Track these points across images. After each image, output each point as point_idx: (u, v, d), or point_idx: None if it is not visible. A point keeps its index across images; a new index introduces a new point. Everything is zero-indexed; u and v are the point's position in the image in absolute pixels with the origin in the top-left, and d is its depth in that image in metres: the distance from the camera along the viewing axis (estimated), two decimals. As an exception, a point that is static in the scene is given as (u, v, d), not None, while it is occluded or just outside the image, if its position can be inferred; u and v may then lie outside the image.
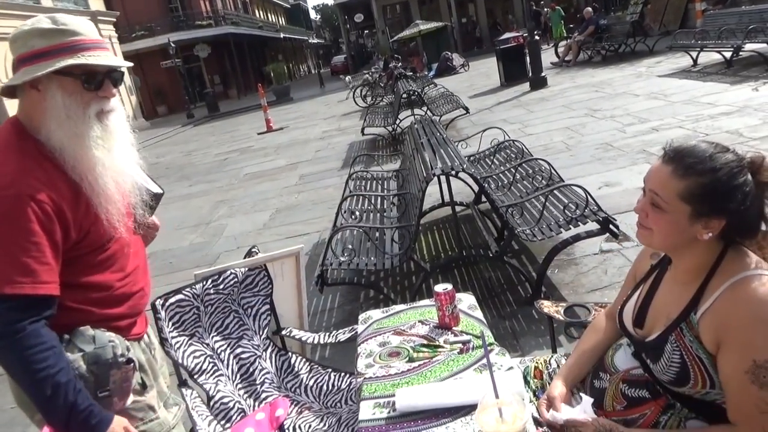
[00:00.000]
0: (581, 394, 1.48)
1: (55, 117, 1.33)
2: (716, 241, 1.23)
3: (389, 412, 1.44)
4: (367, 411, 1.46)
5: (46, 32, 1.32)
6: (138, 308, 1.57)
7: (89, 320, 1.41)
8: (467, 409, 1.38)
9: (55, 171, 1.34)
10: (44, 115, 1.34)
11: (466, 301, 1.97)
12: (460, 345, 1.71)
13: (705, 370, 1.22)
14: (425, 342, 1.76)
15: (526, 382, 1.63)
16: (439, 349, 1.71)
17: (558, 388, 1.47)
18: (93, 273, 1.43)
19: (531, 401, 1.57)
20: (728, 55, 9.16)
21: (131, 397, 1.45)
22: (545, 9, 21.34)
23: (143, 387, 1.51)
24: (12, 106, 1.50)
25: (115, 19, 23.06)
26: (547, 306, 2.04)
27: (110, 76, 1.40)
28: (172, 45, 25.66)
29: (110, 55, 1.39)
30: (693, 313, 1.24)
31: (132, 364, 1.44)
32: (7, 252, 1.25)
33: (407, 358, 1.69)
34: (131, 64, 1.47)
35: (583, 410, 1.36)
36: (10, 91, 1.37)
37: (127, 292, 1.51)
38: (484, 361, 1.57)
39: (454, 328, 1.81)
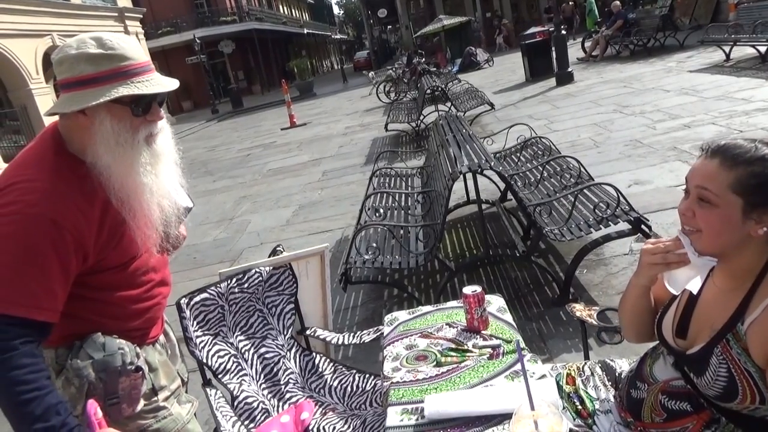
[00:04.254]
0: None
1: (104, 143, 1.29)
2: (765, 243, 1.16)
3: (417, 419, 1.40)
4: (394, 417, 1.42)
5: (94, 57, 1.27)
6: (154, 320, 1.55)
7: (102, 330, 1.39)
8: (499, 418, 1.33)
9: (87, 195, 1.31)
10: (92, 140, 1.30)
11: (496, 303, 1.91)
12: (489, 350, 1.66)
13: (754, 384, 1.15)
14: (453, 346, 1.72)
15: (559, 388, 1.58)
16: (468, 354, 1.66)
17: None
18: (111, 289, 1.40)
19: (564, 407, 1.51)
20: (763, 49, 8.87)
21: (141, 403, 1.43)
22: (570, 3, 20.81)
23: (154, 391, 1.49)
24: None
25: (141, 16, 23.32)
26: (579, 310, 1.97)
27: (156, 99, 1.36)
28: (198, 41, 25.88)
29: (158, 77, 1.35)
30: (740, 323, 1.17)
31: (141, 372, 1.42)
32: (14, 271, 1.21)
33: (435, 362, 1.65)
34: (177, 84, 1.41)
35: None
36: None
37: (144, 307, 1.48)
38: (516, 368, 1.53)
39: (483, 331, 1.76)
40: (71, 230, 1.25)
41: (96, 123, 1.29)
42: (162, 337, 1.63)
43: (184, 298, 1.88)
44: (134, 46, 1.33)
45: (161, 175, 1.39)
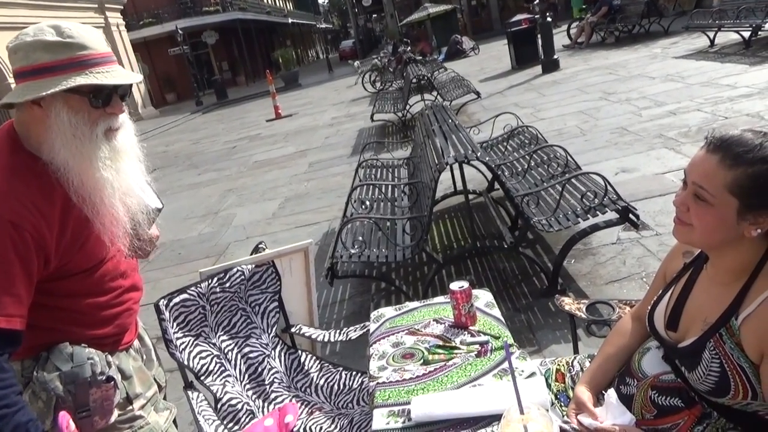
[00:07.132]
0: (603, 391, 1.39)
1: (60, 136, 1.23)
2: (762, 239, 1.13)
3: (404, 422, 1.36)
4: (380, 420, 1.38)
5: (51, 45, 1.21)
6: (125, 326, 1.49)
7: (70, 339, 1.33)
8: (487, 420, 1.29)
9: (46, 194, 1.24)
10: (47, 133, 1.24)
11: (483, 298, 1.88)
12: (477, 346, 1.62)
13: (747, 379, 1.13)
14: (440, 343, 1.68)
15: (548, 385, 1.55)
16: (456, 351, 1.63)
17: (584, 393, 1.38)
18: (78, 297, 1.34)
19: (552, 404, 1.49)
20: (747, 35, 8.89)
21: (115, 413, 1.37)
22: None
23: (128, 400, 1.44)
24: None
25: (122, 7, 22.93)
26: (568, 303, 1.94)
27: (118, 91, 1.29)
28: (180, 32, 25.50)
29: (119, 69, 1.29)
30: (734, 317, 1.14)
31: (113, 382, 1.35)
32: None
33: (422, 360, 1.61)
34: (141, 78, 1.35)
35: (617, 411, 1.29)
36: (9, 104, 1.27)
37: (113, 313, 1.42)
38: (504, 365, 1.49)
39: (470, 327, 1.73)
40: (31, 231, 1.19)
41: (52, 115, 1.23)
42: (136, 342, 1.57)
43: (162, 300, 1.83)
44: (94, 36, 1.26)
45: (123, 172, 1.33)
